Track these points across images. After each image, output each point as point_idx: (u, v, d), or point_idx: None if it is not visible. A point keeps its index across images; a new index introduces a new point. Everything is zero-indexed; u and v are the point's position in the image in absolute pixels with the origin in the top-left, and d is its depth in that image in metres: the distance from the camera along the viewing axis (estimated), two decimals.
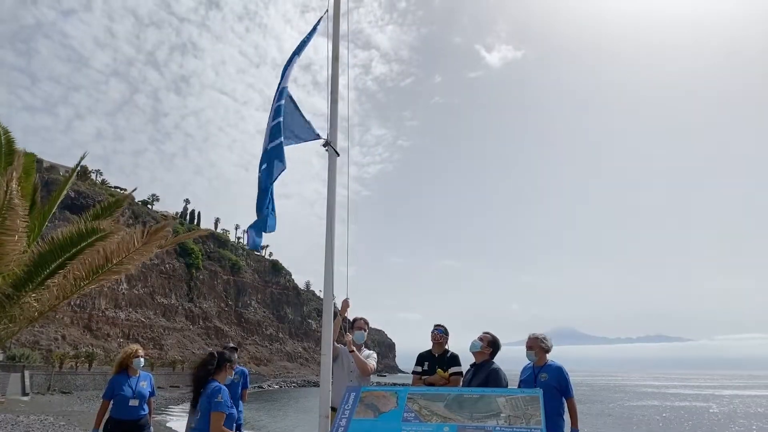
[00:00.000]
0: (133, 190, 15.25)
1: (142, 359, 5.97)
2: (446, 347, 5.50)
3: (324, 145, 5.01)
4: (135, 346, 6.10)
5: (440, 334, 5.51)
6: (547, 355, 5.31)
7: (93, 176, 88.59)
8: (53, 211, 8.73)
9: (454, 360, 5.34)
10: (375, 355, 5.68)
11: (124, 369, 5.88)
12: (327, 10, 5.69)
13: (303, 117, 5.21)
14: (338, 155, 5.00)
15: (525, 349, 5.35)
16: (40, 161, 70.27)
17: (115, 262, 6.44)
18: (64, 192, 8.61)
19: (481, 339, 5.13)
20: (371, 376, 5.54)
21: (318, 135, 5.04)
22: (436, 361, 5.38)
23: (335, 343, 5.02)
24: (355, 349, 5.38)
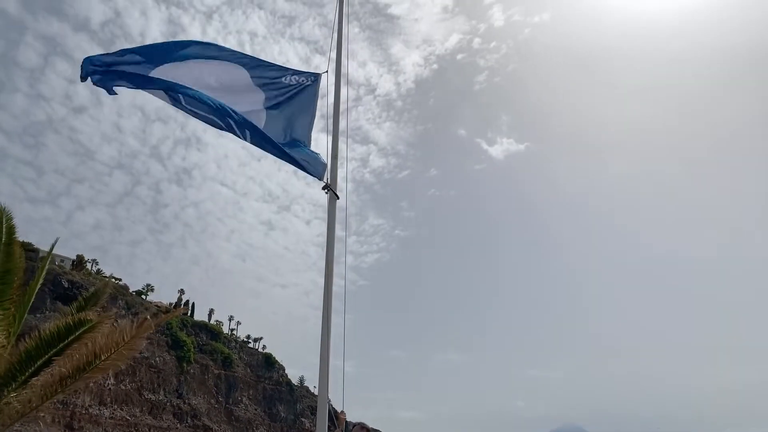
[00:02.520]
0: (109, 276, 15.02)
1: None
2: None
3: (324, 188, 5.17)
4: None
5: None
6: None
7: (89, 266, 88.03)
8: (31, 300, 8.55)
9: None
10: None
11: None
12: (327, 72, 6.06)
13: (311, 152, 5.45)
14: (338, 198, 5.11)
15: None
16: (36, 251, 70.15)
17: (103, 358, 6.18)
18: (40, 281, 8.48)
19: None
20: None
21: (321, 176, 5.25)
22: None
23: None
24: None
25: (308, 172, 5.35)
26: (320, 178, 5.31)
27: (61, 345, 6.34)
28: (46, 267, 10.39)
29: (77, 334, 6.28)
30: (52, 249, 10.48)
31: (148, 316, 6.03)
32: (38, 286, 9.16)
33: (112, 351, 6.12)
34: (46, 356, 6.47)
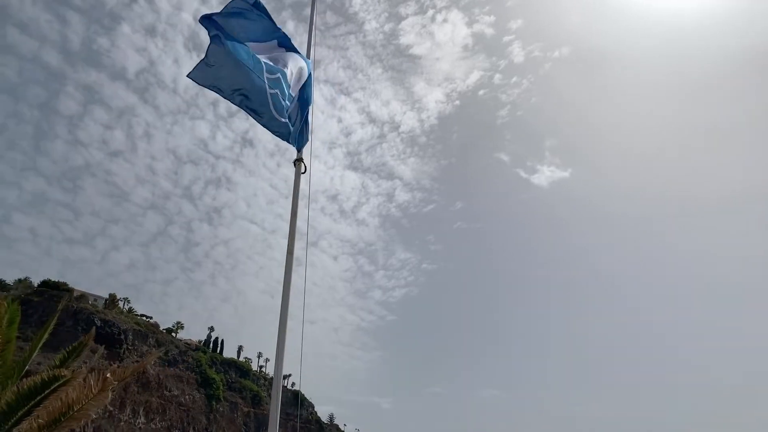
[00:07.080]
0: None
1: None
2: None
3: (295, 161, 5.28)
4: None
5: None
6: None
7: (121, 304, 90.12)
8: (39, 345, 8.89)
9: None
10: None
11: None
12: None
13: (306, 125, 5.56)
14: (304, 172, 5.24)
15: None
16: (70, 290, 72.37)
17: (76, 409, 6.57)
18: (49, 329, 8.87)
19: None
20: None
21: (296, 146, 5.33)
22: None
23: None
24: None
25: (284, 139, 5.36)
26: (298, 148, 5.41)
27: (39, 397, 6.69)
28: (53, 321, 10.61)
29: (53, 387, 6.64)
30: (67, 298, 10.77)
31: (109, 374, 6.35)
32: (46, 334, 9.43)
33: (83, 403, 6.48)
34: (26, 407, 6.80)
